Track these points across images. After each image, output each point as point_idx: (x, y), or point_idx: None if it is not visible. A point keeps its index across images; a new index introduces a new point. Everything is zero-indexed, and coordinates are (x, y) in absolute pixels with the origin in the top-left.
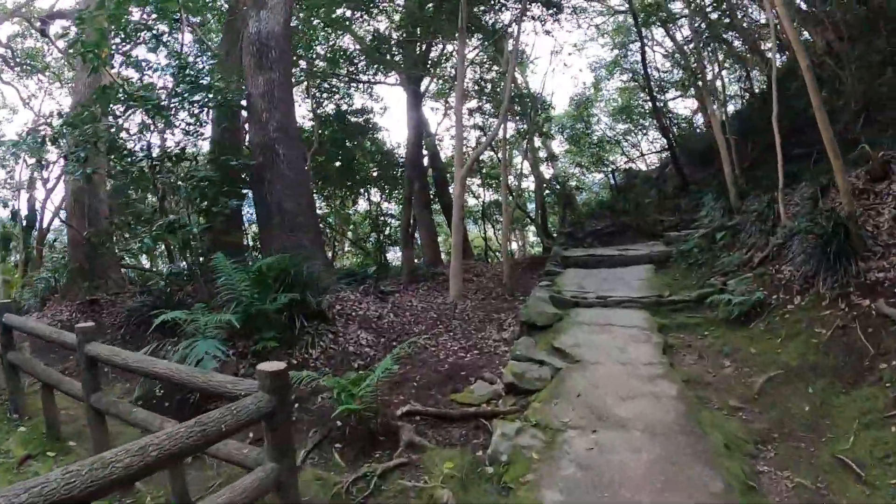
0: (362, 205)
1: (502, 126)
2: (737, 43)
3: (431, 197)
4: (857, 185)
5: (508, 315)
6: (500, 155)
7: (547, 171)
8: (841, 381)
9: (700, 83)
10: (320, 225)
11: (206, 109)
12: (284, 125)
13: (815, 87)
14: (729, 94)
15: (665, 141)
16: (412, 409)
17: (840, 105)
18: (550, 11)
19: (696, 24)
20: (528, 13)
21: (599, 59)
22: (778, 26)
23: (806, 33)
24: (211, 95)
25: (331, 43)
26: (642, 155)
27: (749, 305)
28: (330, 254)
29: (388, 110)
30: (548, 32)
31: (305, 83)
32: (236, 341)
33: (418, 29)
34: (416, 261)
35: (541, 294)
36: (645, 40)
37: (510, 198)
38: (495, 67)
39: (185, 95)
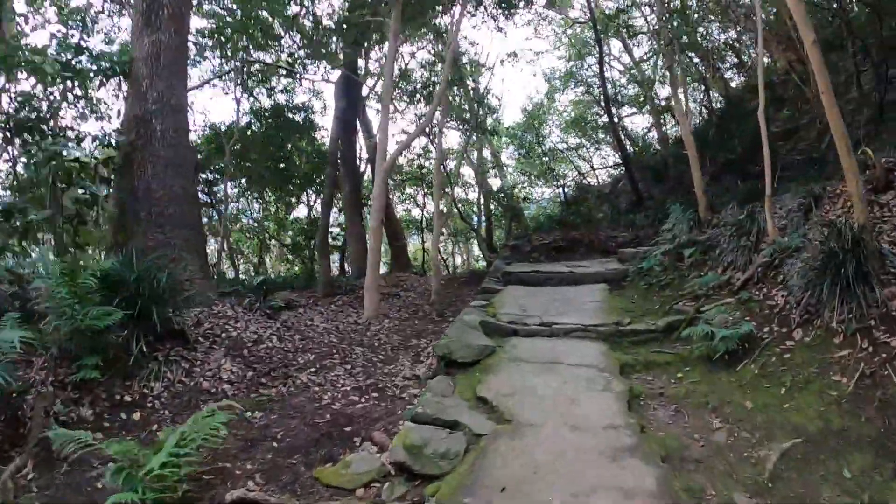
0: (303, 210)
1: (438, 118)
2: (696, 60)
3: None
4: None
5: (431, 340)
6: (434, 145)
7: (495, 182)
8: (889, 460)
9: (670, 87)
10: (202, 217)
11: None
12: (168, 96)
13: (821, 67)
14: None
15: (618, 155)
16: (246, 498)
17: (805, 123)
18: (503, 6)
19: (667, 27)
20: (479, 9)
21: (554, 70)
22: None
23: (766, 58)
24: (99, 62)
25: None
26: (594, 169)
27: (736, 340)
28: (258, 260)
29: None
30: (500, 29)
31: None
32: (58, 367)
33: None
34: (347, 271)
35: (470, 318)
36: (603, 52)
37: (451, 207)
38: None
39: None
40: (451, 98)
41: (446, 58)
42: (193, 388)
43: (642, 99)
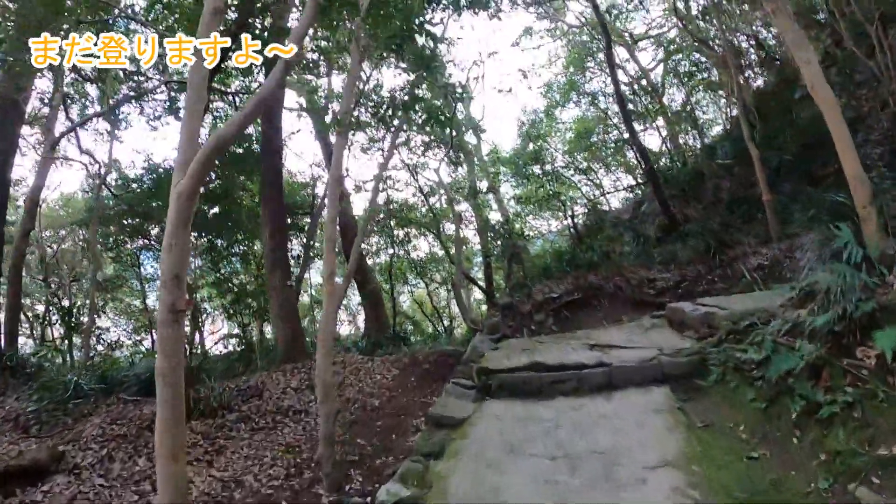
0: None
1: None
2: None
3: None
4: None
5: None
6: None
7: (495, 217)
8: None
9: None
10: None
11: None
12: None
13: None
14: (708, 119)
15: (637, 173)
16: None
17: (866, 111)
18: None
19: None
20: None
21: (552, 83)
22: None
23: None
24: None
25: None
26: (605, 194)
27: None
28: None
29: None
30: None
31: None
32: None
33: None
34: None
35: None
36: (611, 44)
37: (451, 247)
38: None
39: None
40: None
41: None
42: None
43: (657, 108)
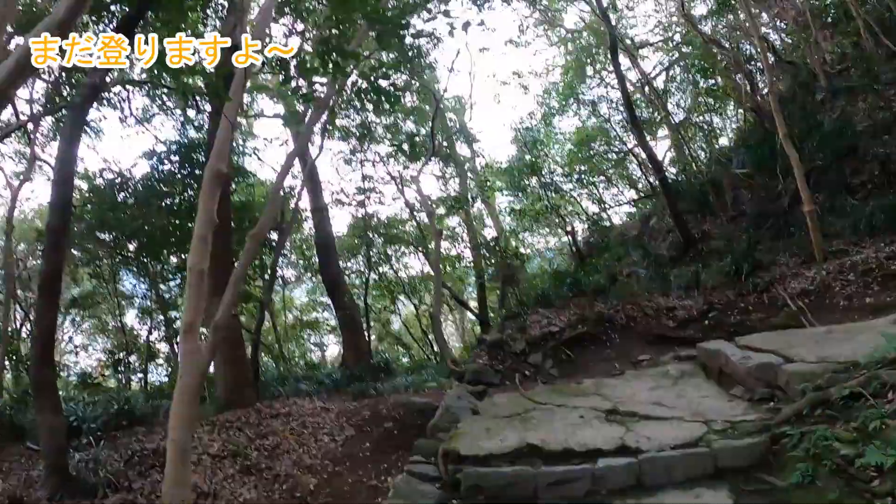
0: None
1: None
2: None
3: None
4: None
5: None
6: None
7: (491, 234)
8: None
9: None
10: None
11: None
12: None
13: None
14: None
15: (640, 187)
16: None
17: None
18: None
19: None
20: None
21: (549, 88)
22: None
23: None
24: None
25: None
26: (607, 208)
27: None
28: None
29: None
30: None
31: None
32: None
33: None
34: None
35: None
36: (616, 38)
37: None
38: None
39: None
40: None
41: None
42: None
43: (661, 116)
